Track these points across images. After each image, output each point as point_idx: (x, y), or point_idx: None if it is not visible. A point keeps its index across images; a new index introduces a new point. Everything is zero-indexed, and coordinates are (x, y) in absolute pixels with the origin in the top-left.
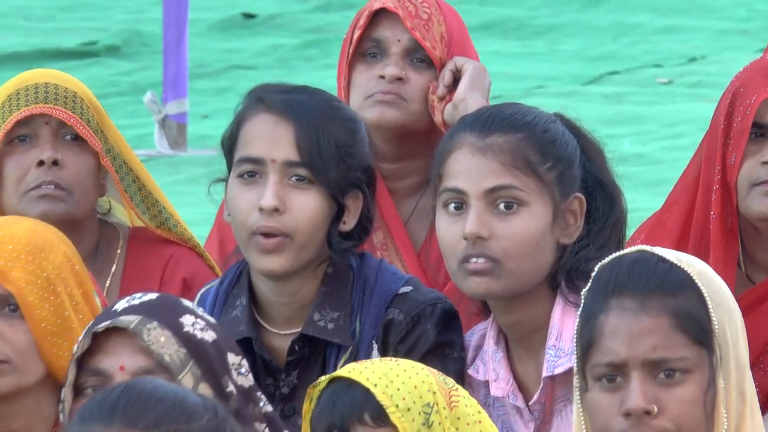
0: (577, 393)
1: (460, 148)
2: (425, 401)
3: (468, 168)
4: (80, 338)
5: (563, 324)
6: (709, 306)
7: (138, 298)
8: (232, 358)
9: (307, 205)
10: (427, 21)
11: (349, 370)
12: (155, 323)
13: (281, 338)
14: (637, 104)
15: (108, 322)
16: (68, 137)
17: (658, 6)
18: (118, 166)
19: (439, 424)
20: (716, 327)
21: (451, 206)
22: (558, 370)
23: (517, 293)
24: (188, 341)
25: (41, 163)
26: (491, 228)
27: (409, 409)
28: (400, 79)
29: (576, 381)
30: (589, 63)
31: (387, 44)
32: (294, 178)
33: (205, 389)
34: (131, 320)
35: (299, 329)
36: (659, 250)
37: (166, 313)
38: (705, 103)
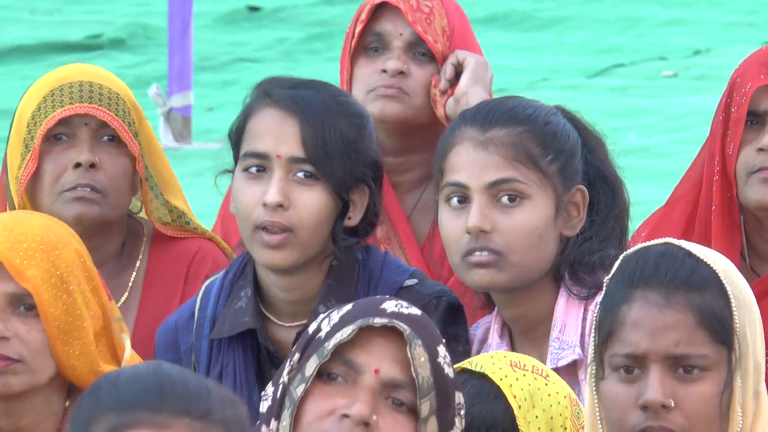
0: (593, 380)
1: (461, 142)
2: None
3: (470, 162)
4: (333, 321)
5: (567, 316)
6: (733, 305)
7: (405, 308)
8: (459, 398)
9: (311, 201)
10: (429, 15)
11: (501, 378)
12: (420, 341)
13: (286, 330)
14: (642, 97)
15: (386, 320)
16: (106, 138)
17: None
18: (149, 174)
19: None
20: (738, 326)
21: (454, 200)
22: (561, 363)
23: (520, 285)
24: (437, 372)
25: (78, 164)
26: (494, 221)
27: None
28: (402, 73)
29: (591, 368)
30: (594, 56)
31: (389, 38)
32: (299, 174)
33: (432, 424)
34: (405, 327)
35: (304, 321)
36: (686, 244)
37: (428, 336)
38: (710, 96)
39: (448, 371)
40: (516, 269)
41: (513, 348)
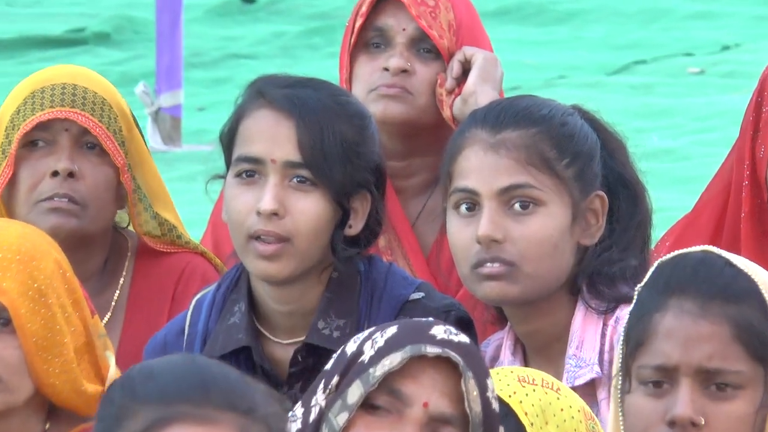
0: (618, 393)
1: (471, 145)
2: None
3: (480, 166)
4: (377, 344)
5: (584, 332)
6: None
7: (455, 335)
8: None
9: (308, 209)
10: (434, 8)
11: (510, 394)
12: (471, 374)
13: (283, 348)
14: (666, 96)
15: (439, 350)
16: (88, 146)
17: None
18: (137, 186)
19: None
20: None
21: (463, 207)
22: (578, 382)
23: (534, 299)
24: (486, 407)
25: (56, 173)
26: (506, 230)
27: None
28: (405, 71)
29: (617, 380)
30: (614, 51)
31: (391, 33)
32: (295, 180)
33: None
34: (459, 358)
35: (302, 338)
36: (725, 253)
37: (479, 368)
38: (739, 95)
39: (495, 406)
40: (530, 281)
41: (527, 366)
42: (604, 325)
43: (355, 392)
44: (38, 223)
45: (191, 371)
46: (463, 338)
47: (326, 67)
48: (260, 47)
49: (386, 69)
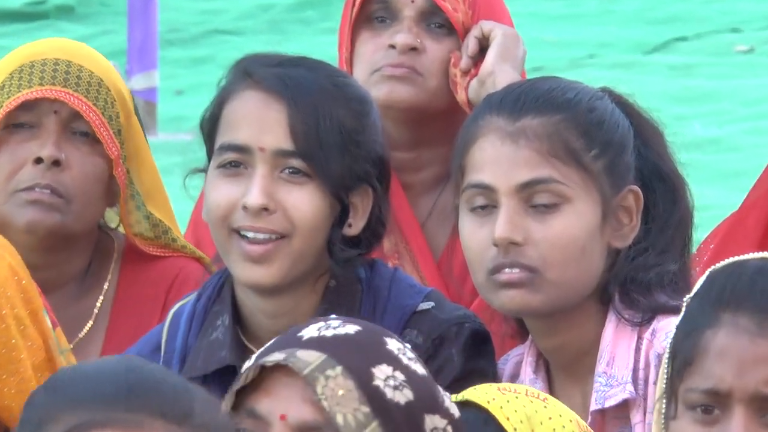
0: (661, 419)
1: (486, 134)
2: None
3: (496, 158)
4: (248, 364)
5: (616, 347)
6: None
7: (333, 328)
8: (435, 422)
9: (302, 203)
10: None
11: (489, 400)
12: (339, 369)
13: None
14: (710, 77)
15: (281, 357)
16: (79, 133)
17: None
18: (129, 180)
19: None
20: None
21: (477, 205)
22: (609, 403)
23: (559, 309)
24: (374, 398)
25: (39, 160)
26: (526, 231)
27: None
28: (414, 48)
29: (660, 404)
30: (651, 27)
31: (398, 6)
32: (287, 171)
33: None
34: (309, 361)
35: None
36: None
37: (360, 357)
38: None
39: (395, 396)
40: (554, 289)
41: (551, 385)
42: (639, 338)
43: None
44: (14, 217)
45: (120, 373)
46: (345, 329)
47: (320, 44)
48: (245, 22)
49: (392, 46)
